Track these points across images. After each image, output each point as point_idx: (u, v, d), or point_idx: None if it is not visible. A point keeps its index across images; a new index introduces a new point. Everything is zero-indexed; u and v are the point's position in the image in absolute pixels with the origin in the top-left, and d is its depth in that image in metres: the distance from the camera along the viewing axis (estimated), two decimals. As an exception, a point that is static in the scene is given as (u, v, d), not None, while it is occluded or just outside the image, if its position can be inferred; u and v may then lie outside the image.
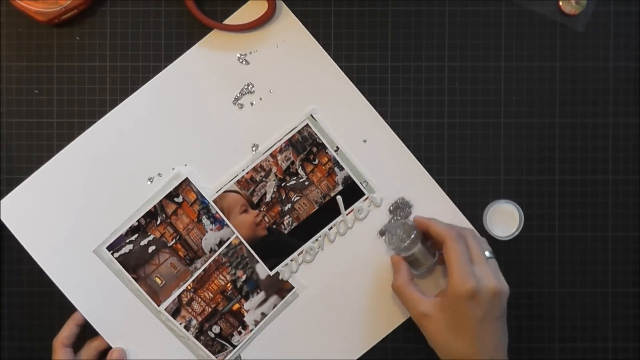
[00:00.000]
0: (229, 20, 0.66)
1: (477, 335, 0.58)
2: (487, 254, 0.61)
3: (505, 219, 0.66)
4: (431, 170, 0.67)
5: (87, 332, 0.66)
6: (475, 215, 0.67)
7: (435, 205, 0.66)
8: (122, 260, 0.65)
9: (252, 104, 0.66)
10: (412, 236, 0.63)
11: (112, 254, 0.65)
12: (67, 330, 0.64)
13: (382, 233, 0.66)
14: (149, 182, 0.66)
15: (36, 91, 0.67)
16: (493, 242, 0.66)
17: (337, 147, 0.66)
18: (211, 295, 0.66)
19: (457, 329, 0.59)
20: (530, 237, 0.67)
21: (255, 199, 0.66)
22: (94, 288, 0.65)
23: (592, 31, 0.67)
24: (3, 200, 0.65)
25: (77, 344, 0.65)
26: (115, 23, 0.67)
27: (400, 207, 0.66)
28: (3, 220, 0.65)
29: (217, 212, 0.66)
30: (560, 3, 0.66)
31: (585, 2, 0.66)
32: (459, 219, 0.66)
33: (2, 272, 0.67)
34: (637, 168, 0.67)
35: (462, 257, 0.59)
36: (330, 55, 0.66)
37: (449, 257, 0.60)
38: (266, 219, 0.66)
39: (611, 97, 0.67)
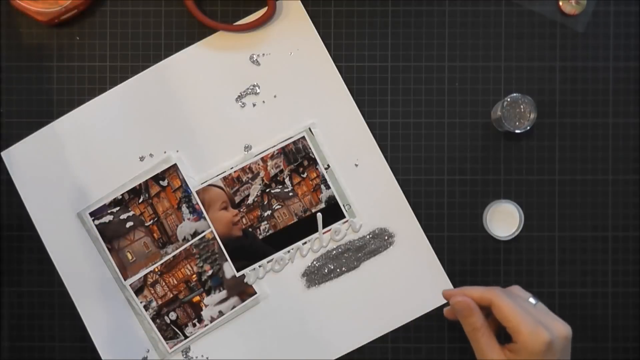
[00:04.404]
0: (243, 21, 0.66)
1: None
2: (531, 300, 0.56)
3: (505, 219, 0.66)
4: (431, 170, 0.67)
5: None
6: (475, 215, 0.67)
7: (412, 241, 0.66)
8: (100, 228, 0.66)
9: (254, 104, 0.66)
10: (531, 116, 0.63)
11: (94, 220, 0.66)
12: None
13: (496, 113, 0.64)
14: (140, 160, 0.66)
15: (36, 91, 0.67)
16: (493, 242, 0.67)
17: (328, 166, 0.66)
18: (175, 282, 0.67)
19: None
20: (530, 237, 0.67)
21: (237, 199, 0.66)
22: (72, 248, 0.66)
23: (592, 31, 0.67)
24: (5, 151, 0.66)
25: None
26: (115, 23, 0.67)
27: (378, 237, 0.66)
28: (7, 167, 0.66)
29: (197, 203, 0.66)
30: (560, 3, 0.66)
31: (585, 2, 0.66)
32: (433, 259, 0.66)
33: (2, 272, 0.67)
34: (637, 168, 0.67)
35: (521, 310, 0.53)
36: (330, 55, 0.66)
37: (506, 314, 0.53)
38: (244, 220, 0.66)
39: (611, 97, 0.67)
